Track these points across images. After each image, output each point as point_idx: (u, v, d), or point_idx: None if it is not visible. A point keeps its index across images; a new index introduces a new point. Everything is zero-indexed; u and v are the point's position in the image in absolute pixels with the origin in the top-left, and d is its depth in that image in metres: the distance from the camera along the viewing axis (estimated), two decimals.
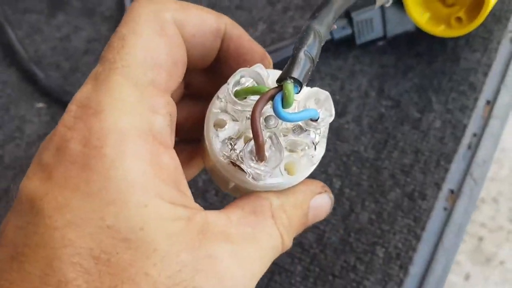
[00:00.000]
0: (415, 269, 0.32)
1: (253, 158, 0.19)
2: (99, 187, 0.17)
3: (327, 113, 0.20)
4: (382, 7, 0.38)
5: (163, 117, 0.19)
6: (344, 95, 0.38)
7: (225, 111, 0.21)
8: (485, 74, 0.37)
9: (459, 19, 0.36)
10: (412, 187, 0.34)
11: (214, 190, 0.35)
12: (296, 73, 0.18)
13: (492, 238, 1.06)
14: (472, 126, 0.35)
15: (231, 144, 0.20)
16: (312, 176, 0.35)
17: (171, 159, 0.19)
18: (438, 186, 0.34)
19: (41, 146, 0.19)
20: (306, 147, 0.21)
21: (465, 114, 0.35)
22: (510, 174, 1.11)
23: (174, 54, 0.20)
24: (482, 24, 0.37)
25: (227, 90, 0.20)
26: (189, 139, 0.26)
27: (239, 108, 0.20)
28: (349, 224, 0.33)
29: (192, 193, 0.20)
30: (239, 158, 0.20)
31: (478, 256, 1.05)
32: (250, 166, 0.19)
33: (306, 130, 0.20)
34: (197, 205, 0.19)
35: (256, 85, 0.20)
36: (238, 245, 0.19)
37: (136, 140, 0.18)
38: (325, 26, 0.20)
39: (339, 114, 0.37)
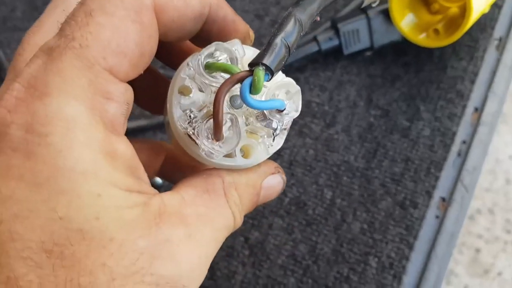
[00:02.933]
0: (408, 278, 0.31)
1: (210, 136, 0.19)
2: (46, 176, 0.16)
3: (294, 106, 0.20)
4: (369, 18, 0.38)
5: (117, 104, 0.18)
6: (333, 105, 0.38)
7: (192, 79, 0.20)
8: (472, 82, 0.37)
9: (436, 31, 0.36)
10: (403, 196, 0.34)
11: None
12: (268, 60, 0.18)
13: (489, 249, 1.05)
14: (461, 134, 0.35)
15: (190, 116, 0.19)
16: (304, 187, 0.35)
17: (124, 146, 0.18)
18: (429, 194, 0.33)
19: None
20: (265, 136, 0.20)
21: (454, 121, 0.36)
22: (505, 185, 1.11)
23: (143, 45, 0.18)
24: (468, 33, 0.37)
25: (198, 60, 0.19)
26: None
27: (206, 81, 0.19)
28: (341, 234, 0.33)
29: None
30: (195, 133, 0.19)
31: (476, 268, 1.04)
32: (204, 144, 0.19)
33: (269, 119, 0.20)
34: (153, 189, 0.19)
35: (229, 62, 0.19)
36: (193, 227, 0.18)
37: (85, 127, 0.17)
38: (307, 15, 0.19)
39: (328, 124, 0.37)
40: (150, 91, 0.25)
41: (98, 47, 0.17)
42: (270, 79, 0.18)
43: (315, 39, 0.39)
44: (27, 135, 0.16)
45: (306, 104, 0.38)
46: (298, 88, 0.20)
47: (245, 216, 0.35)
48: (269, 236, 0.34)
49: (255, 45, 0.42)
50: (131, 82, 0.19)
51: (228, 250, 0.34)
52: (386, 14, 0.38)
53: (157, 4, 0.19)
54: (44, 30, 0.21)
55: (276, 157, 0.37)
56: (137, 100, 0.25)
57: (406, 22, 0.37)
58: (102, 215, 0.16)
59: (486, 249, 1.05)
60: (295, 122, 0.38)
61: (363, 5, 0.29)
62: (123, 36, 0.18)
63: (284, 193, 0.35)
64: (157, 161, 0.28)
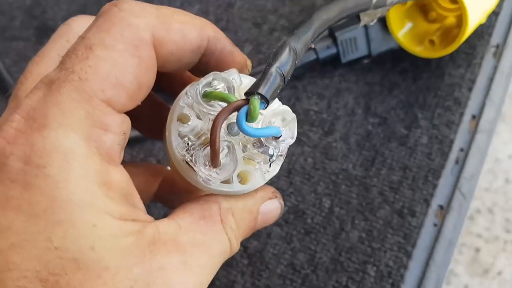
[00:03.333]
0: (406, 287, 0.31)
1: (207, 162, 0.19)
2: (43, 207, 0.17)
3: (289, 133, 0.20)
4: (366, 26, 0.38)
5: (114, 135, 0.18)
6: (331, 113, 0.38)
7: (191, 107, 0.20)
8: (470, 89, 0.37)
9: (432, 42, 0.37)
10: (401, 204, 0.34)
11: None
12: (263, 90, 0.18)
13: (489, 249, 1.06)
14: (459, 141, 0.35)
15: (188, 144, 0.20)
16: (303, 196, 0.35)
17: (119, 176, 0.19)
18: (427, 202, 0.34)
19: None
20: (262, 162, 0.21)
21: (452, 129, 0.36)
22: (504, 185, 1.11)
23: (141, 78, 0.19)
24: (465, 40, 0.38)
25: (196, 89, 0.20)
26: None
27: (204, 110, 0.20)
28: (340, 243, 0.33)
29: None
30: (193, 160, 0.19)
31: (476, 268, 1.04)
32: (201, 171, 0.19)
33: (265, 146, 0.20)
34: (148, 216, 0.19)
35: (226, 90, 0.20)
36: (188, 254, 0.19)
37: (82, 159, 0.17)
38: (301, 44, 0.19)
39: (326, 132, 0.37)
40: (150, 117, 0.25)
41: (96, 80, 0.18)
42: (265, 108, 0.19)
43: (312, 47, 0.39)
44: (26, 166, 0.17)
45: (304, 112, 0.39)
46: (293, 115, 0.20)
47: None
48: (268, 245, 0.34)
49: (254, 53, 0.42)
50: (131, 109, 0.20)
51: (227, 259, 0.34)
52: (383, 22, 0.38)
53: (155, 38, 0.19)
54: (46, 60, 0.22)
55: None
56: (137, 126, 0.26)
57: (403, 32, 0.37)
58: (97, 245, 0.17)
59: (486, 249, 1.06)
60: None
61: (360, 25, 0.29)
62: (121, 69, 0.18)
63: (283, 201, 0.35)
64: (153, 184, 0.28)
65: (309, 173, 0.36)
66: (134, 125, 0.26)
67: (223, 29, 0.44)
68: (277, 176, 0.36)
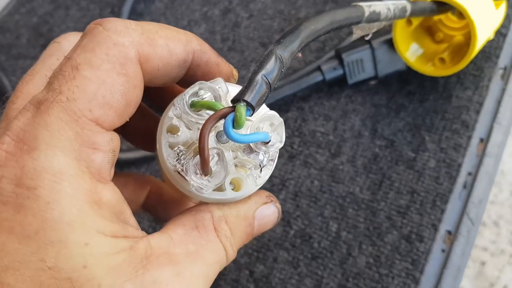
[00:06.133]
0: None
1: (198, 171, 0.19)
2: (36, 229, 0.17)
3: (278, 138, 0.20)
4: (373, 48, 0.38)
5: (104, 153, 0.19)
6: (338, 135, 0.38)
7: (180, 118, 0.21)
8: (477, 112, 0.37)
9: (442, 60, 0.36)
10: (409, 229, 0.34)
11: None
12: (249, 97, 0.18)
13: (495, 262, 1.05)
14: (467, 165, 0.35)
15: (178, 154, 0.20)
16: (309, 219, 0.35)
17: (110, 193, 0.19)
18: (435, 227, 0.33)
19: None
20: (253, 168, 0.21)
21: (459, 152, 0.35)
22: (510, 197, 1.10)
23: (129, 96, 0.19)
24: (472, 62, 0.37)
25: (183, 99, 0.20)
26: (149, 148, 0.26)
27: (193, 119, 0.20)
28: (347, 268, 0.33)
29: None
30: (184, 169, 0.20)
31: (482, 281, 1.04)
32: (193, 179, 0.19)
33: (255, 151, 0.20)
34: (140, 232, 0.19)
35: (214, 99, 0.20)
36: (182, 266, 0.19)
37: (72, 179, 0.18)
38: (288, 52, 0.20)
39: (333, 154, 0.37)
40: (141, 129, 0.25)
41: (84, 100, 0.18)
42: (252, 114, 0.19)
43: (319, 68, 0.39)
44: (17, 188, 0.17)
45: (310, 133, 0.38)
46: (281, 120, 0.20)
47: (250, 248, 0.35)
48: (274, 269, 0.34)
49: None
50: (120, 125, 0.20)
51: (233, 284, 0.34)
52: (390, 43, 0.38)
53: (141, 55, 0.19)
54: (37, 79, 0.22)
55: (281, 188, 0.37)
56: (129, 138, 0.26)
57: (411, 52, 0.37)
58: (90, 263, 0.17)
59: (491, 262, 1.05)
60: (300, 151, 0.38)
61: (352, 39, 0.29)
62: (108, 88, 0.18)
63: (289, 225, 0.35)
64: (141, 194, 0.28)
65: (316, 196, 0.36)
66: (126, 138, 0.26)
67: (230, 49, 0.44)
68: (283, 199, 0.36)
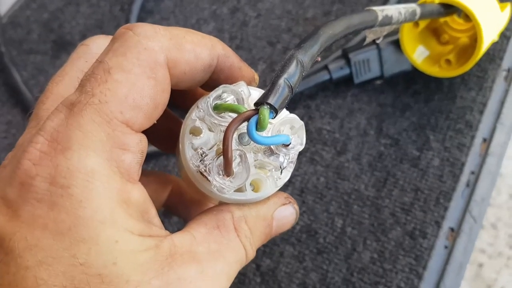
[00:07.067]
0: None
1: (220, 172, 0.20)
2: (68, 226, 0.17)
3: (298, 140, 0.21)
4: (379, 48, 0.39)
5: (133, 154, 0.19)
6: (344, 133, 0.39)
7: (202, 120, 0.21)
8: (481, 112, 0.37)
9: (448, 61, 0.37)
10: (413, 226, 0.34)
11: None
12: (272, 100, 0.19)
13: (492, 265, 1.06)
14: (470, 164, 0.36)
15: (201, 155, 0.21)
16: (315, 215, 0.36)
17: (138, 194, 0.19)
18: (438, 224, 0.34)
19: (3, 176, 0.19)
20: (273, 169, 0.22)
21: (463, 152, 0.36)
22: (508, 200, 1.11)
23: (157, 99, 0.20)
24: (477, 63, 0.38)
25: (207, 102, 0.20)
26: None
27: (215, 121, 0.21)
28: (352, 263, 0.34)
29: None
30: (207, 170, 0.20)
31: (479, 283, 1.04)
32: (216, 180, 0.20)
33: (276, 154, 0.21)
34: (164, 231, 0.20)
35: (236, 102, 0.21)
36: (205, 263, 0.19)
37: (104, 179, 0.18)
38: (308, 57, 0.20)
39: (338, 152, 0.38)
40: (165, 132, 0.26)
41: (115, 103, 0.19)
42: (274, 117, 0.19)
43: (326, 67, 0.40)
44: (51, 187, 0.18)
45: (317, 131, 0.39)
46: (301, 123, 0.21)
47: None
48: (280, 263, 0.34)
49: (268, 71, 0.43)
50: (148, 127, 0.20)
51: (240, 277, 0.34)
52: (396, 44, 0.39)
53: (170, 60, 0.20)
54: (66, 81, 0.23)
55: (287, 184, 0.37)
56: (153, 141, 0.27)
57: (418, 54, 0.38)
58: (119, 260, 0.18)
59: (489, 264, 1.06)
60: (306, 149, 0.38)
61: (365, 42, 0.30)
62: (139, 91, 0.19)
63: (297, 206, 0.36)
64: (163, 193, 0.29)
65: (322, 193, 0.37)
66: (150, 140, 0.27)
67: (238, 47, 0.44)
68: (290, 195, 0.37)
